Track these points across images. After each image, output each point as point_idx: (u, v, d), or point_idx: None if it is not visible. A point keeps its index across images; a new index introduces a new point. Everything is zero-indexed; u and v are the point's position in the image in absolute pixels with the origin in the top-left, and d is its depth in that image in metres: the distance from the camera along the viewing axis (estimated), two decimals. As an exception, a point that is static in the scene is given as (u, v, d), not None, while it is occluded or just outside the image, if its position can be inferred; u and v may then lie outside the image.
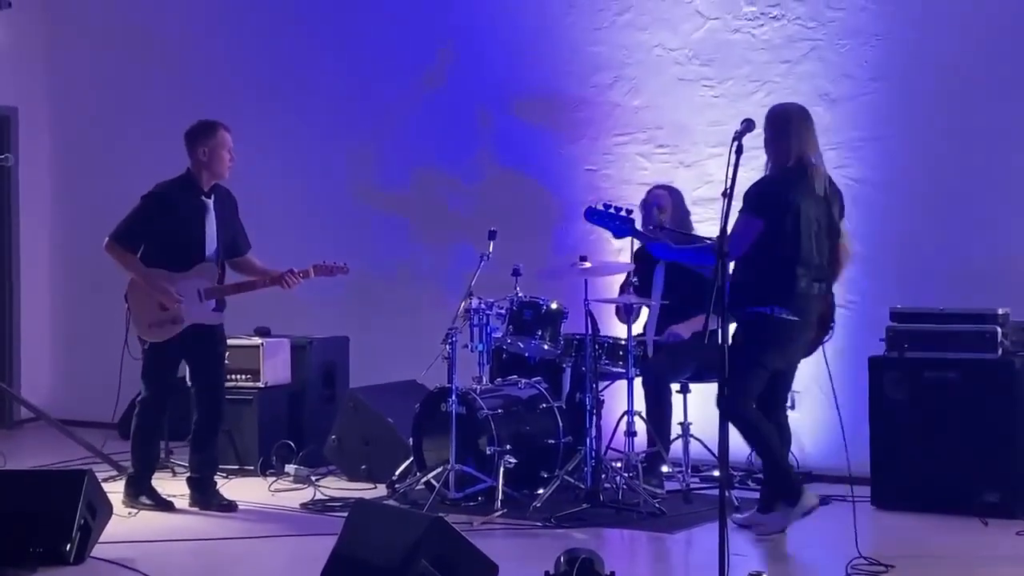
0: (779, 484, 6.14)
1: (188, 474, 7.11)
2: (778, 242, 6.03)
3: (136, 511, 6.81)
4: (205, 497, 6.96)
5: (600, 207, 6.42)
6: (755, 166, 7.44)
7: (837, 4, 7.70)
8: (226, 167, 6.93)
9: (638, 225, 6.77)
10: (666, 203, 7.39)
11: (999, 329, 6.65)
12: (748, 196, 6.09)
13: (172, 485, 7.48)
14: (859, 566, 5.59)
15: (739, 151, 5.11)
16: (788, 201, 6.05)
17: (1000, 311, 6.72)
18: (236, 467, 7.87)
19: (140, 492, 6.92)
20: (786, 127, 6.13)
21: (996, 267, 7.22)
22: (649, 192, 7.54)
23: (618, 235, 6.71)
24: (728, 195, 5.29)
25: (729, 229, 5.14)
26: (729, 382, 6.14)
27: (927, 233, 7.47)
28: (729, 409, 6.05)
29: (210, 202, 6.92)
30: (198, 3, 9.82)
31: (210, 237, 6.89)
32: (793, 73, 7.82)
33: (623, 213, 6.34)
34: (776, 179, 6.13)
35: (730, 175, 5.17)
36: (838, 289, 7.63)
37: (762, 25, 7.93)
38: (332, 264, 7.00)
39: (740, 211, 6.00)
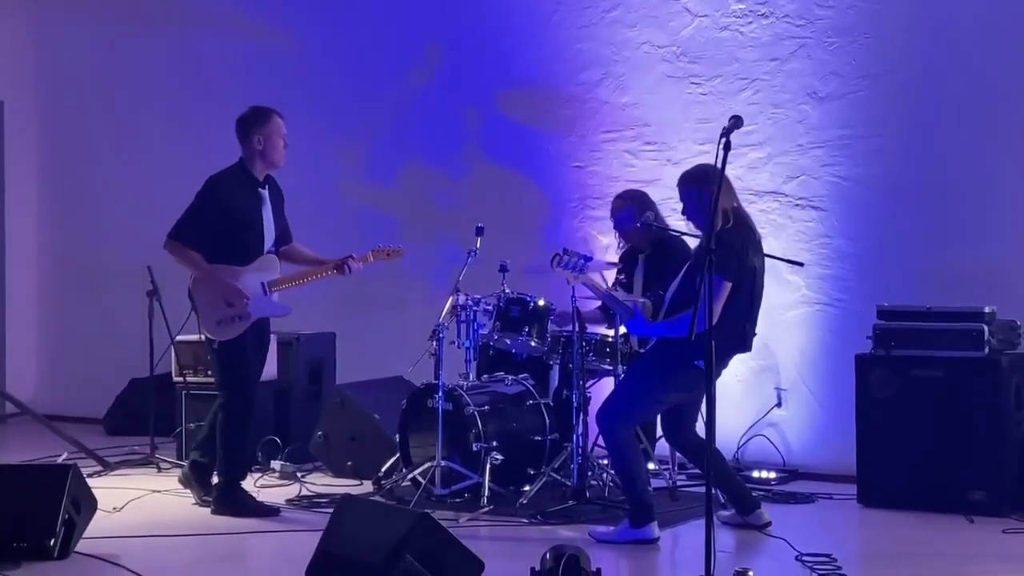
0: (633, 508, 6.10)
1: (193, 459, 6.96)
2: (734, 302, 5.98)
3: (118, 509, 6.78)
4: (199, 487, 6.90)
5: (564, 256, 6.15)
6: (743, 163, 7.46)
7: (825, 2, 7.69)
8: (282, 156, 6.75)
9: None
10: (630, 214, 7.27)
11: (986, 327, 6.65)
12: (719, 259, 5.64)
13: (158, 481, 7.48)
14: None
15: (727, 148, 5.10)
16: (751, 265, 6.02)
17: (987, 309, 6.72)
18: (222, 463, 7.84)
19: (234, 500, 6.73)
20: (712, 184, 5.74)
21: (983, 265, 7.23)
22: (612, 203, 7.42)
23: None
24: (716, 194, 5.29)
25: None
26: (616, 397, 6.22)
27: (915, 231, 7.47)
28: (605, 425, 6.13)
29: (265, 193, 6.76)
30: (185, 1, 9.82)
31: (268, 229, 6.75)
32: (781, 71, 7.82)
33: (581, 261, 6.18)
34: (737, 240, 5.97)
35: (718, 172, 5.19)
36: (825, 287, 7.69)
37: (750, 23, 7.93)
38: (390, 248, 6.94)
39: (712, 271, 5.45)
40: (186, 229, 6.66)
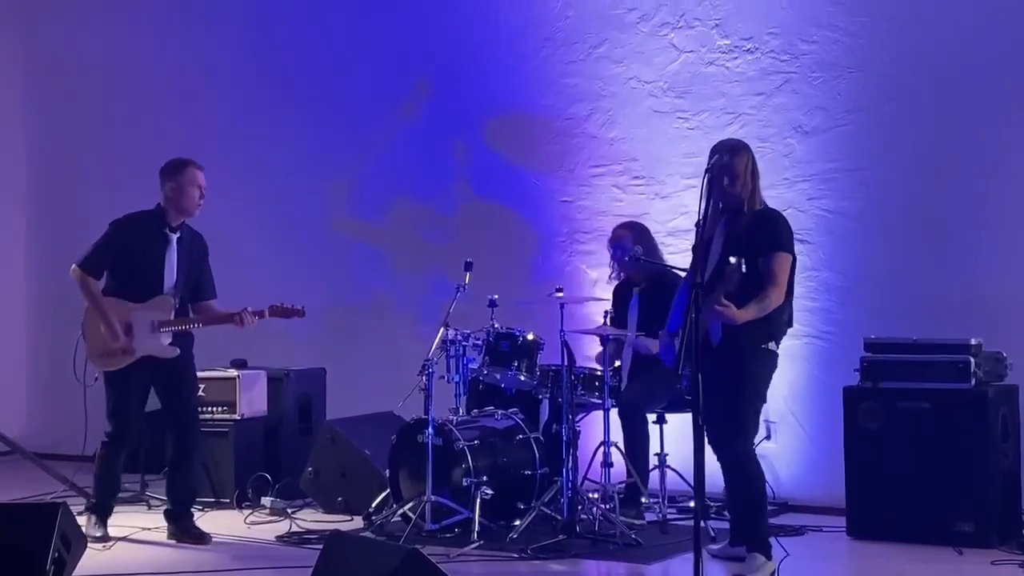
0: (758, 533, 6.03)
1: (165, 507, 7.08)
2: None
3: (111, 544, 6.78)
4: (181, 529, 6.94)
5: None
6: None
7: (810, 37, 7.76)
8: (194, 205, 6.91)
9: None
10: (628, 243, 7.36)
11: (972, 359, 6.68)
12: (782, 236, 5.88)
13: (147, 518, 7.47)
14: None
15: (712, 183, 5.14)
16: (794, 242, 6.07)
17: (973, 341, 6.74)
18: (212, 499, 7.85)
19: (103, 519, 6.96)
20: (754, 164, 5.97)
21: (969, 297, 7.26)
22: (613, 232, 7.53)
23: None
24: (701, 226, 5.32)
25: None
26: (731, 423, 5.94)
27: (901, 264, 7.51)
28: (736, 456, 5.93)
29: (173, 237, 6.90)
30: (173, 32, 9.83)
31: (169, 270, 6.87)
32: (767, 105, 7.87)
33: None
34: (784, 220, 6.03)
35: (702, 207, 5.23)
36: (813, 319, 7.72)
37: (736, 58, 7.99)
38: (289, 306, 6.97)
39: (779, 251, 5.79)
40: (90, 258, 6.88)
